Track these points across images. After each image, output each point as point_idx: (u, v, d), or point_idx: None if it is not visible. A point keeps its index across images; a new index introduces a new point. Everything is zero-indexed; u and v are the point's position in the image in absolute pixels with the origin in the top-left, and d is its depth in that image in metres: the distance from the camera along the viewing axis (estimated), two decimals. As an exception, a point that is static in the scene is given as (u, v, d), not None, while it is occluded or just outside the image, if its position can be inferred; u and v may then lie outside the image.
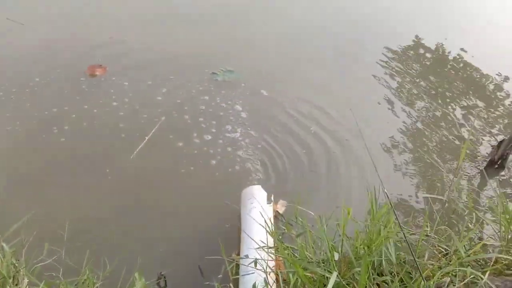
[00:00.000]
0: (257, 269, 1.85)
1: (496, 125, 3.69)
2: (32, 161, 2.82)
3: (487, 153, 3.34)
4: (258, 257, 1.88)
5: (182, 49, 4.07)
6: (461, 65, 4.53)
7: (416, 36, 4.94)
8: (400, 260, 1.79)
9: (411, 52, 4.70)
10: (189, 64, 3.89)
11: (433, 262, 1.74)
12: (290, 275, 1.73)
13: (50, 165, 2.81)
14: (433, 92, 4.04)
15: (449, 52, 4.68)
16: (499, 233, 1.90)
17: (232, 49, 4.20)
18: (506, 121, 3.74)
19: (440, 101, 3.93)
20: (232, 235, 2.40)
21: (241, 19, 4.67)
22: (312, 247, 1.91)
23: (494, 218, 2.10)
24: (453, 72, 4.45)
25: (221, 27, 4.50)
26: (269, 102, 3.60)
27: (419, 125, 3.63)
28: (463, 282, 1.60)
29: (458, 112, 3.80)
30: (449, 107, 3.88)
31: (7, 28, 3.99)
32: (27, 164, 2.80)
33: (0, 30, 3.97)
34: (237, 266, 2.05)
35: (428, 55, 4.68)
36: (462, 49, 4.66)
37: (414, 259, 1.54)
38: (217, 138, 3.16)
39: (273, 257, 1.98)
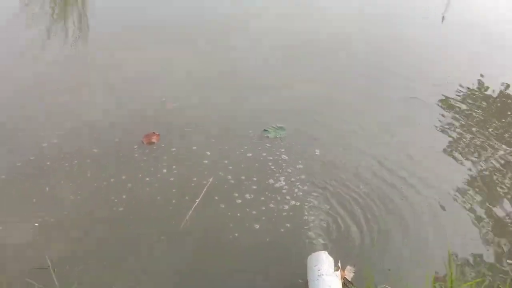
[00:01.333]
0: None
1: None
2: (96, 231, 3.06)
3: None
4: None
5: (229, 110, 4.35)
6: None
7: (480, 76, 4.96)
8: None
9: (476, 93, 4.75)
10: (237, 123, 4.15)
11: None
12: None
13: (112, 235, 3.05)
14: (501, 136, 4.07)
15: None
16: None
17: (282, 108, 4.41)
18: None
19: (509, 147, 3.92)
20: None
21: (288, 80, 4.90)
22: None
23: None
24: None
25: (270, 88, 4.74)
26: (323, 156, 3.75)
27: (487, 174, 3.63)
28: None
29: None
30: None
31: (63, 102, 4.37)
32: (91, 234, 3.04)
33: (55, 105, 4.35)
34: None
35: (493, 96, 4.71)
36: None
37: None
38: (259, 196, 3.32)
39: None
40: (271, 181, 3.48)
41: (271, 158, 3.72)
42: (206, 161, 3.64)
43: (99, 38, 5.96)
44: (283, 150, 3.81)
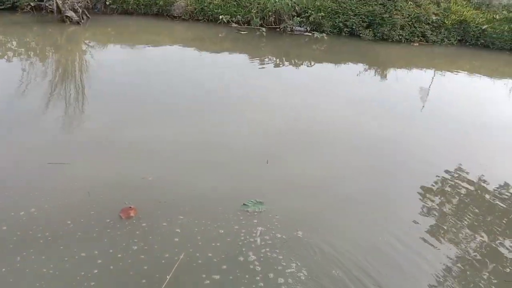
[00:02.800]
0: None
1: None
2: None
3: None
4: None
5: (207, 186, 4.50)
6: (505, 197, 4.77)
7: (456, 168, 5.30)
8: None
9: (449, 183, 5.00)
10: (211, 200, 4.27)
11: None
12: None
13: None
14: (477, 226, 4.23)
15: (489, 184, 5.01)
16: None
17: (263, 186, 4.60)
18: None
19: (485, 236, 4.09)
20: None
21: (274, 160, 5.15)
22: None
23: None
24: (496, 204, 4.63)
25: (252, 167, 4.99)
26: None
27: (464, 263, 3.75)
28: None
29: (506, 248, 3.95)
30: (496, 242, 4.04)
31: (45, 173, 4.53)
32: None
33: (37, 176, 4.49)
34: None
35: (468, 186, 4.95)
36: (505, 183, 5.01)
37: None
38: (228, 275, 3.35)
39: None
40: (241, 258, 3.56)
41: (243, 231, 3.82)
42: (176, 239, 3.71)
43: (91, 112, 6.26)
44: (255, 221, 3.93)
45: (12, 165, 4.61)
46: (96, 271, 3.32)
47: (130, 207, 4.01)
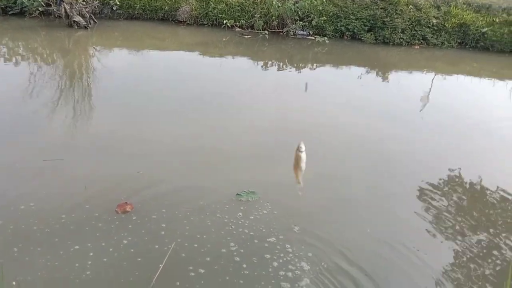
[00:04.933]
0: None
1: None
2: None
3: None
4: None
5: (199, 181, 4.71)
6: (500, 199, 4.89)
7: (457, 170, 5.44)
8: None
9: (448, 186, 5.11)
10: (202, 193, 4.47)
11: None
12: None
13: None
14: (476, 226, 4.35)
15: (489, 186, 5.14)
16: None
17: (255, 182, 4.76)
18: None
19: (484, 236, 4.22)
20: None
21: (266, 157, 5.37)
22: None
23: None
24: (493, 205, 4.77)
25: (246, 166, 5.21)
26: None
27: (464, 260, 3.87)
28: None
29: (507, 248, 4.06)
30: (495, 240, 4.16)
31: (45, 170, 4.75)
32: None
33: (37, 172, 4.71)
34: None
35: (466, 188, 5.08)
36: (498, 187, 5.11)
37: None
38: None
39: None
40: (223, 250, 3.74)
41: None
42: (163, 232, 3.90)
43: (95, 113, 6.51)
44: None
45: (13, 163, 4.83)
46: (89, 262, 3.51)
47: (126, 203, 4.20)
